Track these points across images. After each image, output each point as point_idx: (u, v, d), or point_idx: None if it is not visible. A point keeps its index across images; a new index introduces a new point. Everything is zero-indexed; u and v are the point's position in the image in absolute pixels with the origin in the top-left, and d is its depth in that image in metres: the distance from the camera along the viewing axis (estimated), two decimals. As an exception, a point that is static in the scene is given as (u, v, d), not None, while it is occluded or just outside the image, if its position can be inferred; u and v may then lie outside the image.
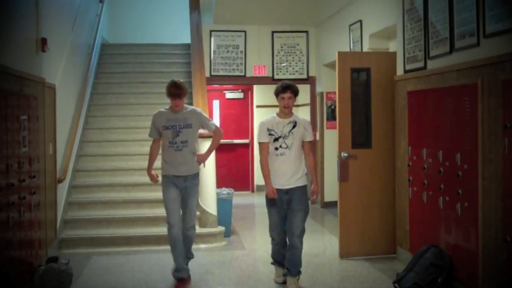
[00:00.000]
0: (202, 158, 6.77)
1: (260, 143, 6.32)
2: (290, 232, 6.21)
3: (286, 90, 6.17)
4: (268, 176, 6.26)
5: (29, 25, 6.77)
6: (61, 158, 8.41)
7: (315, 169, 6.55)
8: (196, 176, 6.67)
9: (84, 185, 9.14)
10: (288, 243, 6.29)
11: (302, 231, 6.22)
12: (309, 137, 6.28)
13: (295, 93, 6.23)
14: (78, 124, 9.49)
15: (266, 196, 6.31)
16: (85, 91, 10.13)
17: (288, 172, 6.19)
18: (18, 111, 6.03)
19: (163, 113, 6.59)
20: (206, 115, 7.08)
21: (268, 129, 6.21)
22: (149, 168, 6.75)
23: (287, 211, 6.22)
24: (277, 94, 6.24)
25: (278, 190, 6.19)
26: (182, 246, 6.55)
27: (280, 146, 6.17)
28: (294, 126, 6.19)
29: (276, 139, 6.18)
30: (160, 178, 6.68)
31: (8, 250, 5.62)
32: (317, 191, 6.36)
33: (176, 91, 6.44)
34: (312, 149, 6.50)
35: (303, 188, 6.26)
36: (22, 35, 6.51)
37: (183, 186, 6.53)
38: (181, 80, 6.65)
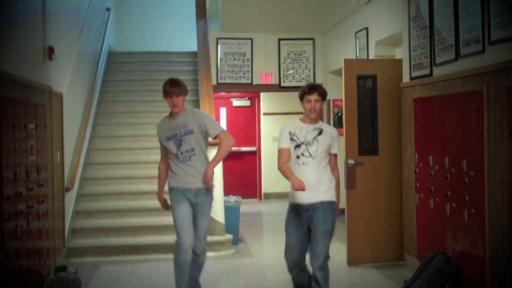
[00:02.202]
0: (207, 176, 5.64)
1: (279, 150, 5.46)
2: (311, 258, 5.36)
3: (313, 91, 5.42)
4: (291, 172, 5.31)
5: (36, 33, 6.81)
6: (68, 166, 8.44)
7: (338, 187, 5.58)
8: (209, 192, 5.80)
9: (91, 194, 9.16)
10: (311, 272, 5.40)
11: (325, 259, 5.32)
12: (335, 149, 5.50)
13: (323, 95, 5.48)
14: (86, 132, 9.52)
15: (288, 210, 5.53)
16: (92, 99, 10.17)
17: (311, 184, 5.25)
18: (26, 120, 6.05)
19: (164, 122, 5.85)
20: (211, 117, 6.14)
21: (290, 133, 5.42)
22: (160, 191, 5.97)
23: (310, 233, 5.40)
24: (302, 96, 5.45)
25: (298, 206, 5.37)
26: (188, 273, 5.70)
27: (302, 154, 5.35)
28: (319, 133, 5.41)
29: (297, 146, 5.38)
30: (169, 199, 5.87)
31: (17, 259, 5.63)
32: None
33: (171, 88, 5.64)
34: (337, 164, 5.60)
35: (328, 205, 5.36)
36: (30, 44, 6.55)
37: (194, 202, 5.71)
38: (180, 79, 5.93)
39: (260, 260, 8.06)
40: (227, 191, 9.26)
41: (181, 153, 5.67)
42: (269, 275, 7.31)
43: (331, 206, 5.36)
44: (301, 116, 5.57)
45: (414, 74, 6.95)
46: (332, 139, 5.45)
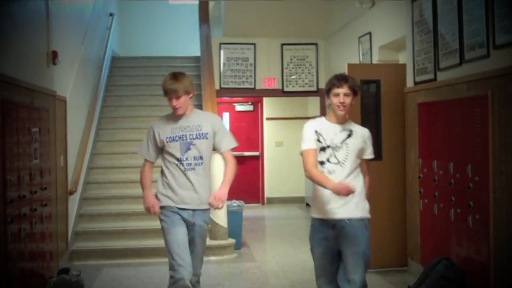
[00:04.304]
0: (219, 198, 4.75)
1: (304, 152, 4.48)
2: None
3: (342, 83, 4.50)
4: (325, 177, 4.39)
5: (40, 38, 6.82)
6: (72, 170, 8.44)
7: (368, 196, 4.72)
8: (208, 210, 4.96)
9: (95, 197, 9.16)
10: None
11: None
12: (368, 154, 4.63)
13: (354, 88, 4.54)
14: (89, 136, 9.53)
15: (313, 225, 4.62)
16: (95, 104, 10.18)
17: (339, 197, 4.37)
18: (29, 124, 6.07)
19: (164, 121, 4.92)
20: (226, 127, 5.13)
21: (316, 132, 4.51)
22: (147, 191, 4.91)
23: (342, 255, 4.53)
24: (328, 90, 4.57)
25: (322, 221, 4.49)
26: None
27: (328, 160, 4.45)
28: (349, 135, 4.53)
29: (322, 149, 4.47)
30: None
31: (20, 261, 5.64)
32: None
33: (172, 84, 4.66)
34: (369, 170, 4.77)
35: (359, 222, 4.48)
36: (33, 48, 6.56)
37: (191, 222, 4.81)
38: (184, 73, 4.94)
39: (263, 265, 8.04)
40: (230, 196, 9.10)
41: (186, 159, 4.76)
42: (272, 279, 7.29)
43: (363, 224, 4.51)
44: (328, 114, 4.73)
45: (418, 79, 6.95)
46: (365, 142, 4.59)
